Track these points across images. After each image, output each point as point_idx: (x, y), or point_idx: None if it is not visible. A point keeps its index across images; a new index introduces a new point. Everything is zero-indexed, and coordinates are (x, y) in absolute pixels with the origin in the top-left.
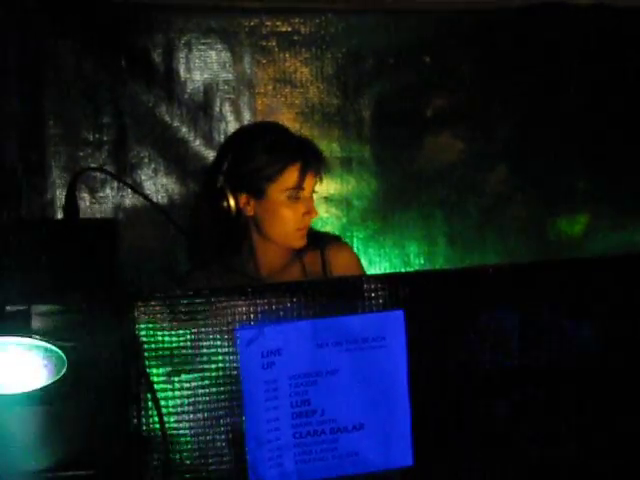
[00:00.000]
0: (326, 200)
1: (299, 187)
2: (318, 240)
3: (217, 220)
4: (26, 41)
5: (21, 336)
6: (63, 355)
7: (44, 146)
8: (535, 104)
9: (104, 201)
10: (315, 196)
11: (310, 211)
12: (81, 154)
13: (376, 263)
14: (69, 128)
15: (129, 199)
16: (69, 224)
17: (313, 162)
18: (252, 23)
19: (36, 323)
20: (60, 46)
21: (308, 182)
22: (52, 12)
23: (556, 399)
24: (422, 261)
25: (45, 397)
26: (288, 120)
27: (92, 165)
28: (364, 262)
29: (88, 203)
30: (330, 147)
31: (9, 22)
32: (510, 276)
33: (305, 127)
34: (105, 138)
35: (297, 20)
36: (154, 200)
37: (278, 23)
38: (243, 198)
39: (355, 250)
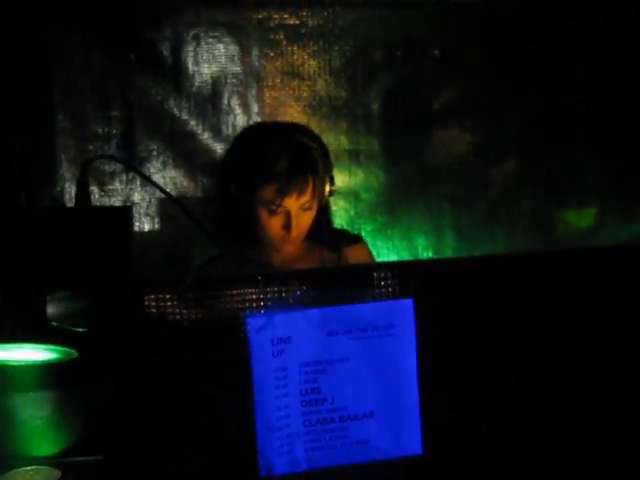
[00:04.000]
0: (334, 193)
1: (276, 204)
2: (336, 239)
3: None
4: (35, 34)
5: (31, 343)
6: (72, 351)
7: (53, 139)
8: (543, 97)
9: (113, 194)
10: None
11: (289, 227)
12: (90, 147)
13: (384, 256)
14: (78, 121)
15: (138, 192)
16: (82, 211)
17: (292, 185)
18: (260, 16)
19: (50, 309)
20: (69, 40)
21: (289, 201)
22: (62, 6)
23: (569, 387)
24: (430, 254)
25: (56, 380)
26: (296, 113)
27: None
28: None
29: (97, 196)
30: (338, 140)
31: (19, 15)
32: (522, 265)
33: (313, 120)
34: (114, 131)
35: (305, 13)
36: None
37: (286, 16)
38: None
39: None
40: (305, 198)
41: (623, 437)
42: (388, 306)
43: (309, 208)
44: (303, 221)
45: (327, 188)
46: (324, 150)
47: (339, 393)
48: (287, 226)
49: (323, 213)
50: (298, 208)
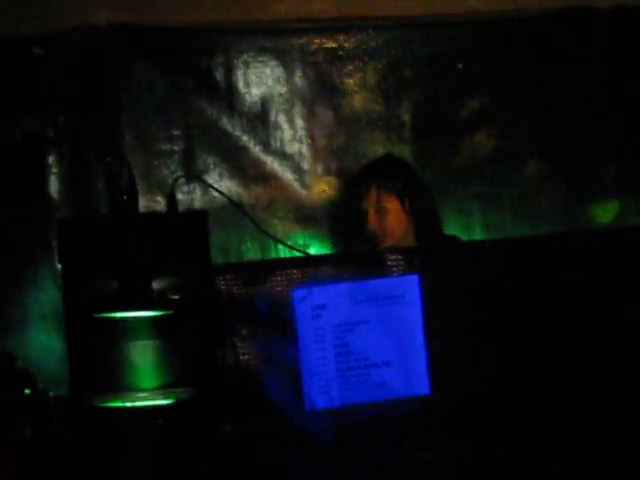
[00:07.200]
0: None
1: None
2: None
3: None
4: (107, 66)
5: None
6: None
7: (123, 156)
8: (561, 100)
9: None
10: None
11: (366, 221)
12: (155, 162)
13: None
14: (144, 140)
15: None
16: (173, 216)
17: (361, 189)
18: (301, 41)
19: (156, 285)
20: (136, 69)
21: (364, 202)
22: (129, 39)
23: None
24: None
25: (158, 332)
26: (336, 126)
27: (165, 172)
28: None
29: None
30: (374, 149)
31: (94, 50)
32: (504, 249)
33: (351, 132)
34: (175, 148)
35: (341, 37)
36: (221, 200)
37: (324, 40)
38: None
39: None
40: (372, 201)
41: None
42: (399, 281)
43: (384, 211)
44: (384, 221)
45: (406, 202)
46: (406, 172)
47: (363, 347)
48: (365, 221)
49: (422, 222)
50: (372, 208)
